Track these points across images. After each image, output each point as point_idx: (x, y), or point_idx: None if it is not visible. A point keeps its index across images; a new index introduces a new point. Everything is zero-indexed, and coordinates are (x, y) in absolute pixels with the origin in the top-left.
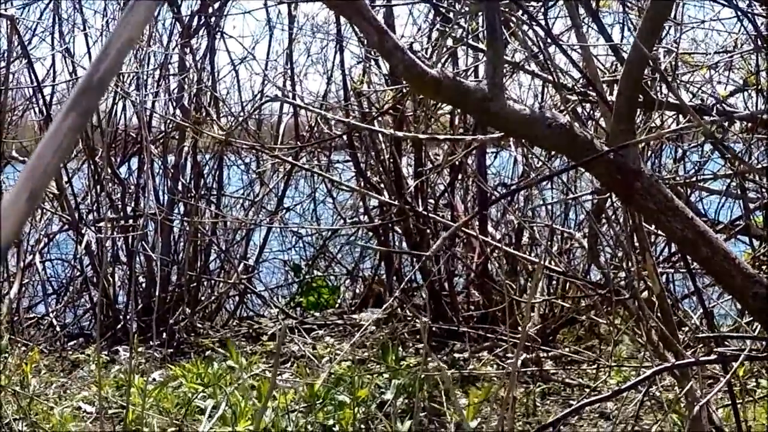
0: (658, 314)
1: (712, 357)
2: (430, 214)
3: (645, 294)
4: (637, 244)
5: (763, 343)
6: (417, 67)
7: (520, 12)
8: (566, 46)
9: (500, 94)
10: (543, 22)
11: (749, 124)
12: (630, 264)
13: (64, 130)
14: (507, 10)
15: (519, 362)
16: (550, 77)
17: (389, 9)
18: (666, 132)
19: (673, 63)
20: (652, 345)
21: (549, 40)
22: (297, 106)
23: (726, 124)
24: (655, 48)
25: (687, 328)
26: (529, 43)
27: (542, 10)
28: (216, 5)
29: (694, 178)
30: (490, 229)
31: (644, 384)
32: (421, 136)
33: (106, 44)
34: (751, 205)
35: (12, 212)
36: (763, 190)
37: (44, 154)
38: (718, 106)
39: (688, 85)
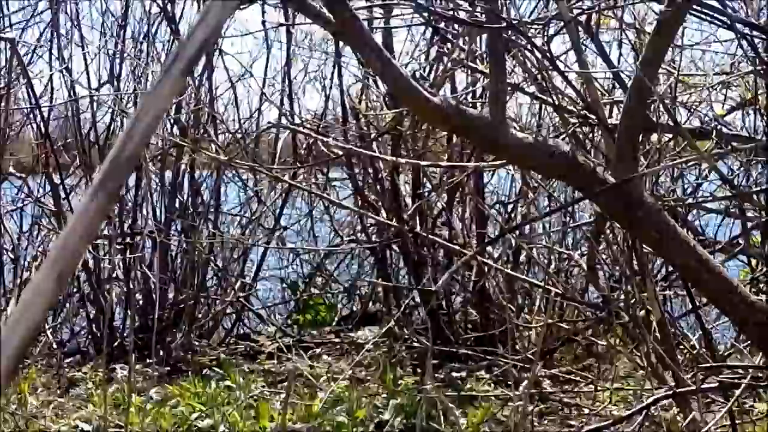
0: (656, 335)
1: (714, 385)
2: (428, 235)
3: (642, 312)
4: (636, 266)
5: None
6: (421, 95)
7: (521, 37)
8: (567, 70)
9: (503, 122)
10: (544, 46)
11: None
12: (629, 286)
13: (92, 211)
14: (508, 33)
15: (525, 391)
16: (549, 99)
17: (387, 28)
18: (670, 165)
19: (673, 85)
20: (651, 367)
21: (550, 66)
22: (298, 132)
23: (726, 147)
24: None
25: (685, 349)
26: (528, 65)
27: (543, 33)
28: None
29: (691, 199)
30: (487, 247)
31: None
32: (423, 163)
33: (132, 120)
34: (749, 224)
35: (41, 294)
36: (762, 211)
37: (72, 236)
38: (717, 128)
39: (687, 105)
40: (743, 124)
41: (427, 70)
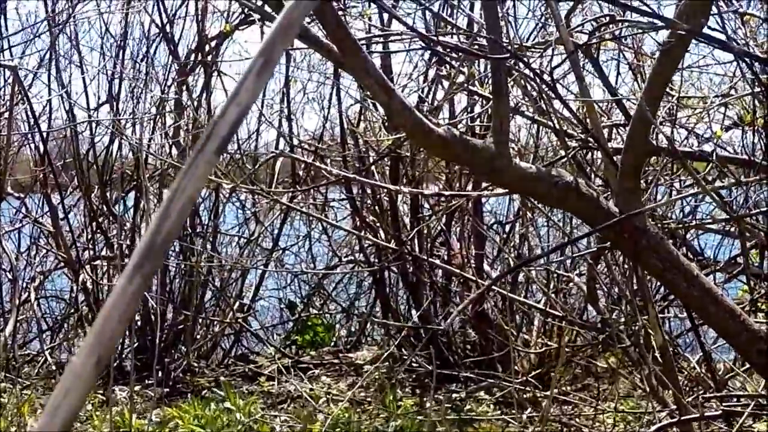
0: (656, 357)
1: (718, 412)
2: (425, 257)
3: (642, 334)
4: (636, 289)
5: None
6: (424, 126)
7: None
8: (567, 95)
9: (506, 152)
10: (546, 73)
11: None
12: (629, 309)
13: (129, 294)
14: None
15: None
16: (549, 123)
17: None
18: (675, 198)
19: (673, 108)
20: (652, 389)
21: (552, 93)
22: (300, 161)
23: (724, 169)
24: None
25: (685, 371)
26: (529, 88)
27: (545, 60)
28: (212, 44)
29: (691, 221)
30: (486, 267)
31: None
32: (426, 192)
33: (167, 201)
34: (748, 244)
35: (80, 378)
36: (760, 231)
37: (109, 321)
38: (714, 150)
39: (685, 125)
40: (742, 143)
41: (426, 92)
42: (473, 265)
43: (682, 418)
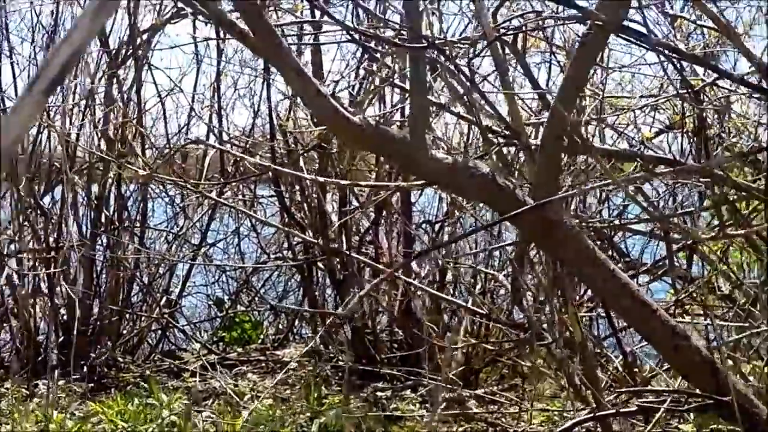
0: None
1: (634, 408)
2: (351, 254)
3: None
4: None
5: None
6: (340, 114)
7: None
8: (492, 91)
9: (423, 143)
10: (468, 67)
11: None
12: (552, 308)
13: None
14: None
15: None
16: (474, 118)
17: (317, 46)
18: (587, 188)
19: (599, 107)
20: (574, 388)
21: (470, 86)
22: (216, 149)
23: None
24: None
25: (608, 371)
26: (455, 84)
27: (468, 54)
28: (144, 36)
29: (617, 221)
30: (414, 266)
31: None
32: (342, 182)
33: None
34: (675, 246)
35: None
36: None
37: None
38: (641, 150)
39: (615, 127)
40: (669, 147)
41: (356, 88)
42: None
43: (597, 414)
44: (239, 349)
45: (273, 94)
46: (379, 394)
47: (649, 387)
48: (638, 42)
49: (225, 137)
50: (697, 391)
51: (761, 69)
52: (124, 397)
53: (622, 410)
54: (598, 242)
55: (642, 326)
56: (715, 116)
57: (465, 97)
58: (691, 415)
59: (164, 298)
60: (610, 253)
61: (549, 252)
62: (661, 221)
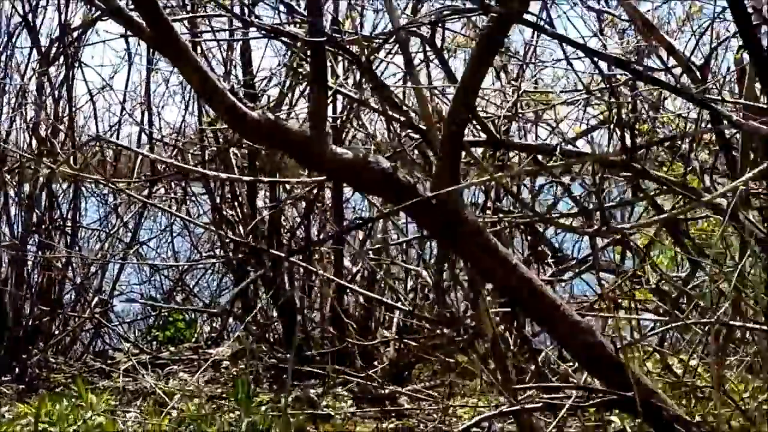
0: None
1: (539, 405)
2: (276, 253)
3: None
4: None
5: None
6: (237, 109)
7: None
8: (397, 86)
9: (323, 137)
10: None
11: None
12: (472, 303)
13: None
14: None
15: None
16: (394, 114)
17: (247, 42)
18: (477, 182)
19: (518, 101)
20: (496, 384)
21: (369, 80)
22: (118, 146)
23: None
24: (503, 86)
25: (527, 367)
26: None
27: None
28: (75, 34)
29: (544, 215)
30: (347, 263)
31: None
32: (244, 178)
33: None
34: (605, 241)
35: None
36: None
37: None
38: (561, 145)
39: (540, 123)
40: (596, 143)
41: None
42: (333, 261)
43: (502, 410)
44: (172, 348)
45: None
46: (311, 391)
47: (555, 383)
48: (539, 31)
49: (121, 143)
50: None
51: (682, 63)
52: (54, 398)
53: (527, 406)
54: (530, 237)
55: (546, 322)
56: (650, 112)
57: (373, 92)
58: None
59: (96, 298)
60: (541, 248)
61: (451, 247)
62: (585, 215)
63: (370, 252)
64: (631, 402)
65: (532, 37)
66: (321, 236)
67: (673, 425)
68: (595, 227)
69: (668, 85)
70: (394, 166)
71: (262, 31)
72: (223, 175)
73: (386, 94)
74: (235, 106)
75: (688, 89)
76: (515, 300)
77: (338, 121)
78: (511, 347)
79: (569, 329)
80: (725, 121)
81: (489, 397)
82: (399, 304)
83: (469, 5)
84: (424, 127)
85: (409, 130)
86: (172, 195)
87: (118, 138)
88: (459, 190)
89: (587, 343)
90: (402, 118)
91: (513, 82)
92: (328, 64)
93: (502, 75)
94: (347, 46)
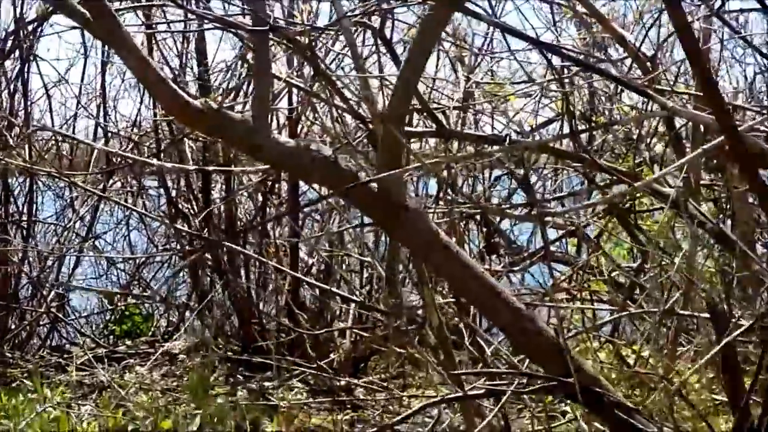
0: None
1: (481, 391)
2: (224, 243)
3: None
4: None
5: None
6: (180, 98)
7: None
8: (343, 75)
9: (265, 126)
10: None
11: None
12: (421, 293)
13: None
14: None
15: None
16: (345, 105)
17: (201, 33)
18: (411, 168)
19: (472, 92)
20: (441, 373)
21: (313, 70)
22: (62, 135)
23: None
24: (457, 78)
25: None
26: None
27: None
28: (30, 28)
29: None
30: (302, 255)
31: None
32: (191, 168)
33: None
34: (559, 233)
35: None
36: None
37: None
38: (508, 135)
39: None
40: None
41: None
42: (288, 253)
43: (445, 397)
44: (129, 342)
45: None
46: (265, 383)
47: (495, 369)
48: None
49: (65, 132)
50: (543, 373)
51: (633, 54)
52: (10, 392)
53: (469, 393)
54: (484, 228)
55: (487, 309)
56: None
57: (320, 82)
58: None
59: (53, 292)
60: (494, 239)
61: (395, 236)
62: (535, 205)
63: (326, 243)
64: (572, 388)
65: (489, 28)
66: (272, 222)
67: (614, 411)
68: (534, 213)
69: (611, 74)
70: (336, 154)
71: (208, 22)
72: (170, 165)
73: (332, 85)
74: (177, 95)
75: (631, 80)
76: (457, 288)
77: (293, 113)
78: (461, 337)
79: (510, 316)
80: (662, 109)
81: (445, 387)
82: (353, 296)
83: None
84: (359, 118)
85: (357, 121)
86: (128, 188)
87: (74, 132)
88: (402, 180)
89: (528, 330)
90: (348, 109)
91: (465, 74)
92: (283, 55)
93: (459, 67)
94: (295, 37)
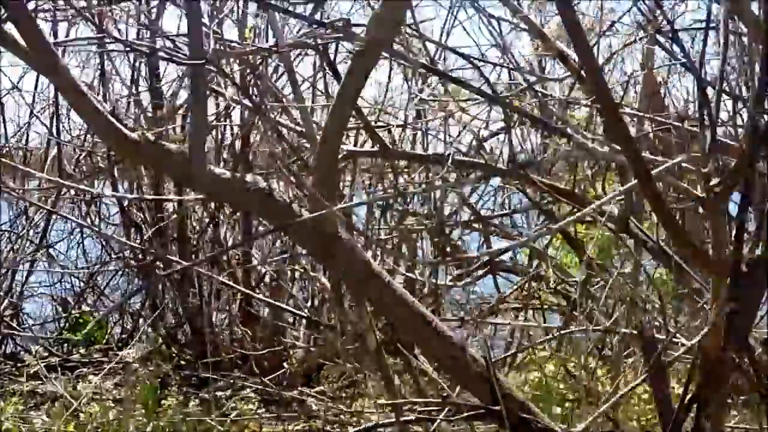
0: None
1: (412, 417)
2: (168, 257)
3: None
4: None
5: None
6: (116, 130)
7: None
8: (283, 105)
9: (201, 157)
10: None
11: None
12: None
13: None
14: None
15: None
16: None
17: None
18: (356, 204)
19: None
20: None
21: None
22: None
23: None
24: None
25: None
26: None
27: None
28: None
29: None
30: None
31: None
32: (129, 197)
33: None
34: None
35: None
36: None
37: None
38: (451, 153)
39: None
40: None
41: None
42: (242, 263)
43: (377, 423)
44: (82, 350)
45: (110, 93)
46: (218, 393)
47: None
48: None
49: (65, 136)
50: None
51: (575, 72)
52: None
53: (401, 419)
54: (439, 242)
55: (418, 338)
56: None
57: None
58: None
59: (6, 301)
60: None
61: (328, 264)
62: (482, 220)
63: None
64: (499, 414)
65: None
66: (228, 242)
67: None
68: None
69: (535, 117)
70: (270, 186)
71: (148, 50)
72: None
73: (267, 115)
74: (114, 127)
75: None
76: (389, 316)
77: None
78: (401, 359)
79: (440, 344)
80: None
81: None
82: (300, 311)
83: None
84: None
85: (292, 150)
86: (81, 197)
87: (27, 140)
88: (335, 212)
89: (457, 358)
90: (286, 137)
91: (413, 91)
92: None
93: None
94: (233, 64)
